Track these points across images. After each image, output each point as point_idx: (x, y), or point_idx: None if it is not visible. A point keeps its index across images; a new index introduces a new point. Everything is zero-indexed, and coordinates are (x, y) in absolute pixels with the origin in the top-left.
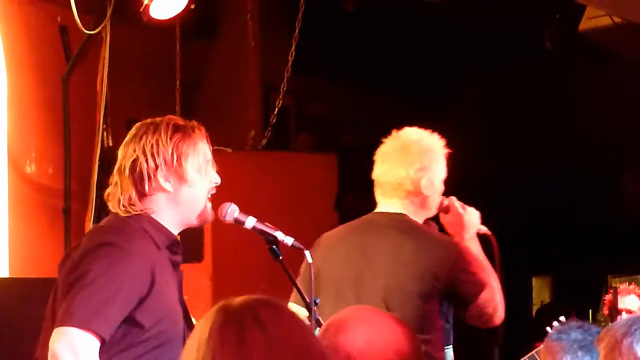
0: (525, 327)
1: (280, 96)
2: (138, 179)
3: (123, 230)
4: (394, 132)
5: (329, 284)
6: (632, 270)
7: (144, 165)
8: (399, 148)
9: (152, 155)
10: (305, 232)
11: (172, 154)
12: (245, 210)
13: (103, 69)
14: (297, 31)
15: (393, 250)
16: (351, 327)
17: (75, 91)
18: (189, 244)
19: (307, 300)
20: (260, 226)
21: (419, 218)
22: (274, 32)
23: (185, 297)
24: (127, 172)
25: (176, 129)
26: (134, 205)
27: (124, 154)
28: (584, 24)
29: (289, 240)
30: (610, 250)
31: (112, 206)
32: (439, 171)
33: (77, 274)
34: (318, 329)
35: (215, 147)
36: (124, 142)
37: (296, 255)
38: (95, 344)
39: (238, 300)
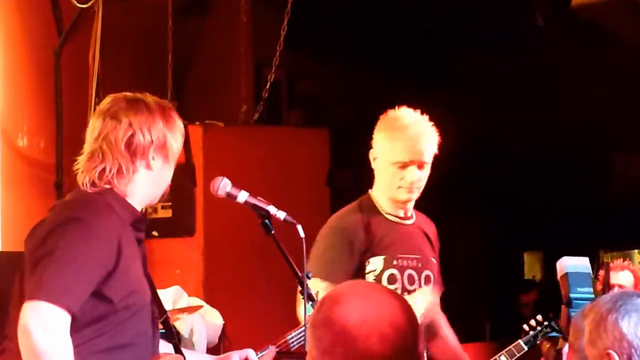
0: (517, 302)
1: (272, 71)
2: (131, 153)
3: (90, 205)
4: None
5: None
6: (623, 246)
7: (141, 140)
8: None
9: (149, 130)
10: (297, 206)
11: (163, 133)
12: (237, 184)
13: (95, 43)
14: (289, 6)
15: None
16: (346, 300)
17: (67, 65)
18: (180, 218)
19: (300, 274)
20: (253, 200)
21: None
22: (266, 7)
23: (176, 272)
24: (122, 145)
25: (162, 108)
26: (106, 179)
27: (114, 125)
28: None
29: (281, 215)
30: (601, 227)
31: (80, 178)
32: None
33: (45, 249)
34: (311, 303)
35: (208, 122)
36: (106, 112)
37: (288, 229)
38: (66, 318)
39: None
